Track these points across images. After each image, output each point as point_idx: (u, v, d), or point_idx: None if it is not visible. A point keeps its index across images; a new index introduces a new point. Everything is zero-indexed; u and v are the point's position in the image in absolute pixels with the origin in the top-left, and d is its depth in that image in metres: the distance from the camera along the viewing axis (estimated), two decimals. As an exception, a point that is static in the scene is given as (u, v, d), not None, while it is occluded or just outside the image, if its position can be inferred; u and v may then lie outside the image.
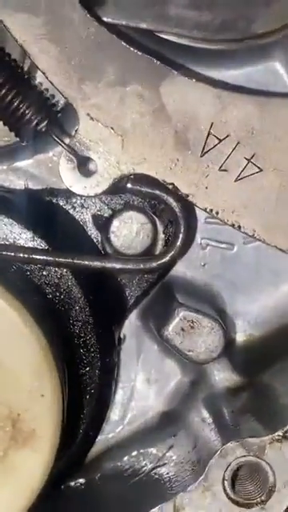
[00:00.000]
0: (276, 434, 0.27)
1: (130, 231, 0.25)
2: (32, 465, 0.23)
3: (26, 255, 0.26)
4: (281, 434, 0.29)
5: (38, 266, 0.26)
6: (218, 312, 0.28)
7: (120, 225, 0.25)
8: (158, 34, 0.31)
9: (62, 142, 0.25)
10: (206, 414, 0.25)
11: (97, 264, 0.24)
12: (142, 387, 0.26)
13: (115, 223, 0.25)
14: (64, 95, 0.26)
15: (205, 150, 0.26)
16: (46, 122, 0.26)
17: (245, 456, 0.28)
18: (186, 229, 0.25)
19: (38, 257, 0.25)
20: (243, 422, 0.25)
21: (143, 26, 0.30)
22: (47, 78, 0.26)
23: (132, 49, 0.27)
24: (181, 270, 0.29)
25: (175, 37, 0.31)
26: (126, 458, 0.28)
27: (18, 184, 0.29)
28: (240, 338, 0.31)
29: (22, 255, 0.26)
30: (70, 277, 0.25)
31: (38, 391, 0.24)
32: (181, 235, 0.24)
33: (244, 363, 0.28)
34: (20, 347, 0.24)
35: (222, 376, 0.25)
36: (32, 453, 0.24)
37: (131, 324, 0.27)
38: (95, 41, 0.26)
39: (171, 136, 0.26)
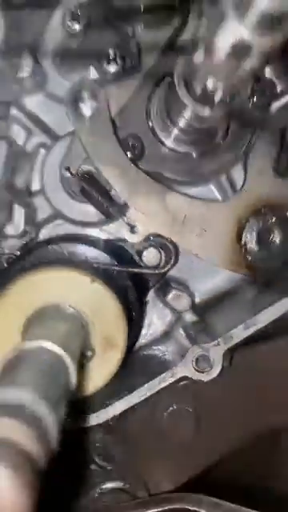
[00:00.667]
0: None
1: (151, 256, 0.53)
2: (116, 356, 0.47)
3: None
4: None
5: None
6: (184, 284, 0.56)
7: (147, 254, 0.53)
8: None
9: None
10: (183, 332, 0.52)
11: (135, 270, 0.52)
12: (155, 320, 0.53)
13: (145, 253, 0.53)
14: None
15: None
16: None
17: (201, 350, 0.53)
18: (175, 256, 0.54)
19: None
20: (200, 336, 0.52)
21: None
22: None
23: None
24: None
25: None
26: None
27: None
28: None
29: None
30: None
31: (117, 327, 0.44)
32: (173, 258, 0.53)
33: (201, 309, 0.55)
34: (109, 310, 0.44)
35: (189, 316, 0.53)
36: (115, 351, 0.44)
37: (150, 295, 0.54)
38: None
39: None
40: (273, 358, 0.50)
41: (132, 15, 0.52)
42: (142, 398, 0.46)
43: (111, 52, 0.52)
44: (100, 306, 0.44)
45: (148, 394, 0.46)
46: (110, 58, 0.52)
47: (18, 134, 0.54)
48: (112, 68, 0.52)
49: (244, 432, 0.50)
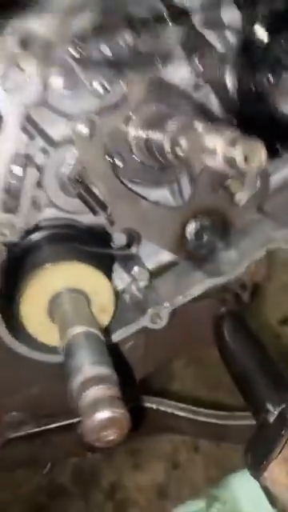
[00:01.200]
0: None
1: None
2: (107, 318, 0.66)
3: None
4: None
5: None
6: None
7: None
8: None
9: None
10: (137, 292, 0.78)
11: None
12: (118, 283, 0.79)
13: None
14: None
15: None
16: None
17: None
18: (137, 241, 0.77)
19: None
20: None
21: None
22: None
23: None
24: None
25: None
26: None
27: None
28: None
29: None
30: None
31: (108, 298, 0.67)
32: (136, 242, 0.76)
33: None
34: (102, 286, 0.65)
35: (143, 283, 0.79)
36: (107, 315, 0.65)
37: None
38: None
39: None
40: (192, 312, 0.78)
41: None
42: (118, 339, 0.72)
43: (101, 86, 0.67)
44: (96, 285, 0.66)
45: (122, 336, 0.72)
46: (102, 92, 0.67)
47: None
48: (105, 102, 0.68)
49: (172, 354, 0.80)
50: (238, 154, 0.46)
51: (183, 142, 0.56)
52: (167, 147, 0.62)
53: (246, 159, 0.45)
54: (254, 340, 0.65)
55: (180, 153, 0.59)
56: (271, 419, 0.51)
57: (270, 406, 0.52)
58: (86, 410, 0.44)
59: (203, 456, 1.25)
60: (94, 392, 0.46)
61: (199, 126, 0.52)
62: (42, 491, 1.23)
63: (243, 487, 0.77)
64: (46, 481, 1.21)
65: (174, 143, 0.59)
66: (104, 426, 0.43)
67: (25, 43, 0.55)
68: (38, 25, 0.55)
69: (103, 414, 0.43)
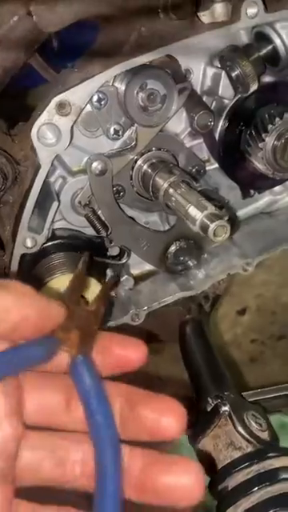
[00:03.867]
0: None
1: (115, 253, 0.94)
2: None
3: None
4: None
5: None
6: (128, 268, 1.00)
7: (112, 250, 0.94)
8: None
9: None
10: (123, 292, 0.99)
11: (111, 261, 0.94)
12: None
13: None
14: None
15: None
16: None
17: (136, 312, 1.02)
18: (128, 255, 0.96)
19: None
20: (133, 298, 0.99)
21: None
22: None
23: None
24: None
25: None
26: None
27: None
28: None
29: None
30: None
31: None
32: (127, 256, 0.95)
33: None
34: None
35: (128, 286, 0.99)
36: None
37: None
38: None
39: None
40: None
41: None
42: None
43: (114, 130, 0.83)
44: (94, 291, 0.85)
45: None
46: (115, 136, 0.83)
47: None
48: (116, 145, 0.85)
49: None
50: (210, 229, 0.64)
51: (173, 201, 0.74)
52: (161, 193, 0.80)
53: (214, 234, 0.64)
54: (207, 345, 0.86)
55: (169, 203, 0.77)
56: (208, 409, 0.73)
57: (209, 399, 0.74)
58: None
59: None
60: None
61: (192, 194, 0.70)
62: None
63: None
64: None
65: (167, 196, 0.77)
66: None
67: (60, 107, 0.71)
68: (71, 94, 0.71)
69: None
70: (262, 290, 1.63)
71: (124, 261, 0.92)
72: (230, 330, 1.63)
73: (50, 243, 0.88)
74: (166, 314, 0.93)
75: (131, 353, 0.41)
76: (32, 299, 0.38)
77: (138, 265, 0.98)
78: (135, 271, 0.98)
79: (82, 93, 0.72)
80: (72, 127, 0.73)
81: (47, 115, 0.70)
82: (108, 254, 0.92)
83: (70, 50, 0.91)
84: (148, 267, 0.98)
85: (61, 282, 0.82)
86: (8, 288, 0.37)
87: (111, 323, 0.92)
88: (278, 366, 1.57)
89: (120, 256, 0.93)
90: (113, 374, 0.42)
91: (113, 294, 0.98)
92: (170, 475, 0.37)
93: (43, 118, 0.70)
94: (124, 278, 0.92)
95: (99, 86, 0.74)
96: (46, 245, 0.87)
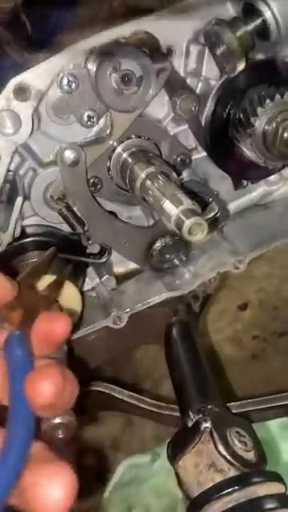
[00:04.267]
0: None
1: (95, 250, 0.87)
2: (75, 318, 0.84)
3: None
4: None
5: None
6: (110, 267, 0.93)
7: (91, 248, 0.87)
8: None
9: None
10: (104, 292, 0.92)
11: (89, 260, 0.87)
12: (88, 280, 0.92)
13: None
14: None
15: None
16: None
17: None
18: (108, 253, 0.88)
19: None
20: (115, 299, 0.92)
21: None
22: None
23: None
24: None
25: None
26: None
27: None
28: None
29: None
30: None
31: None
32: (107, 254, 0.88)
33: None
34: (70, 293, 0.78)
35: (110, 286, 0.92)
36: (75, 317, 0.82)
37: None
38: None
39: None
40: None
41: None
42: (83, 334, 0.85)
43: (88, 116, 0.75)
44: (67, 293, 0.79)
45: (88, 332, 0.85)
46: (89, 123, 0.75)
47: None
48: (91, 133, 0.77)
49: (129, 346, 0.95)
50: (185, 226, 0.57)
51: (150, 195, 0.66)
52: (138, 185, 0.72)
53: (189, 232, 0.57)
54: (194, 351, 0.79)
55: (145, 197, 0.70)
56: (189, 424, 0.66)
57: (191, 413, 0.67)
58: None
59: (153, 419, 1.43)
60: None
61: (169, 187, 0.62)
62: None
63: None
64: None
65: (143, 189, 0.70)
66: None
67: (19, 91, 0.63)
68: (29, 75, 0.63)
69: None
70: (264, 283, 1.55)
71: (104, 259, 0.85)
72: (230, 326, 1.56)
73: (21, 241, 0.81)
74: (151, 316, 0.86)
75: (57, 326, 0.44)
76: None
77: (122, 262, 0.90)
78: (119, 269, 0.91)
79: (42, 74, 0.64)
80: (33, 114, 0.66)
81: (4, 101, 0.62)
82: (87, 251, 0.85)
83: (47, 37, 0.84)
84: (133, 265, 0.90)
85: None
86: None
87: (91, 326, 0.85)
88: (279, 364, 1.49)
89: (100, 254, 0.86)
90: (43, 353, 0.44)
91: (93, 294, 0.91)
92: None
93: (0, 104, 0.62)
94: (105, 277, 0.85)
95: (61, 66, 0.66)
96: (16, 243, 0.80)
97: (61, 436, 0.54)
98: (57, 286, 0.51)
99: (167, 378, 1.43)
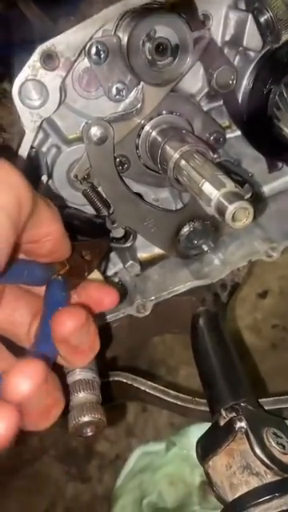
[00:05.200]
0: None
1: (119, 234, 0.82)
2: None
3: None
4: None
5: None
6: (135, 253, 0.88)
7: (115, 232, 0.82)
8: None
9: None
10: (128, 278, 0.88)
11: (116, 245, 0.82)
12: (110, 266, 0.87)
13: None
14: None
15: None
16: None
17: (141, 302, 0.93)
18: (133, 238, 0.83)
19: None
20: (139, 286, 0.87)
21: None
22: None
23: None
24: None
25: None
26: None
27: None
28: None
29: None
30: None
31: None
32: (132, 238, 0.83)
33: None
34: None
35: (135, 271, 0.87)
36: None
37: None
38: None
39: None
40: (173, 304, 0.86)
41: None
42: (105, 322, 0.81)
43: (117, 89, 0.69)
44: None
45: (111, 320, 0.81)
46: (117, 96, 0.70)
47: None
48: (119, 108, 0.71)
49: (152, 335, 0.90)
50: (229, 211, 0.51)
51: (185, 176, 0.61)
52: (171, 165, 0.67)
53: (233, 218, 0.51)
54: (222, 343, 0.75)
55: (180, 178, 0.64)
56: (222, 423, 0.62)
57: (223, 411, 0.62)
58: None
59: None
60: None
61: (208, 168, 0.56)
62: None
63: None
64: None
65: (177, 169, 0.64)
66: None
67: (47, 60, 0.58)
68: (58, 42, 0.57)
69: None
70: (286, 271, 1.50)
71: (128, 244, 0.80)
72: (250, 315, 1.52)
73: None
74: (176, 305, 0.81)
75: (106, 297, 0.52)
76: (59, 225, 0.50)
77: (147, 248, 0.85)
78: (143, 254, 0.86)
79: (72, 41, 0.58)
80: (61, 85, 0.60)
81: (30, 70, 0.57)
82: (111, 236, 0.80)
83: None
84: (157, 250, 0.86)
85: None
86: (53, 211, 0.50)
87: (114, 314, 0.81)
88: (298, 354, 1.45)
89: (125, 238, 0.81)
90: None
91: (116, 280, 0.87)
92: None
93: (25, 73, 0.57)
94: (129, 263, 0.80)
95: (93, 32, 0.60)
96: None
97: (90, 434, 0.51)
98: (98, 255, 0.57)
99: (184, 365, 1.40)
